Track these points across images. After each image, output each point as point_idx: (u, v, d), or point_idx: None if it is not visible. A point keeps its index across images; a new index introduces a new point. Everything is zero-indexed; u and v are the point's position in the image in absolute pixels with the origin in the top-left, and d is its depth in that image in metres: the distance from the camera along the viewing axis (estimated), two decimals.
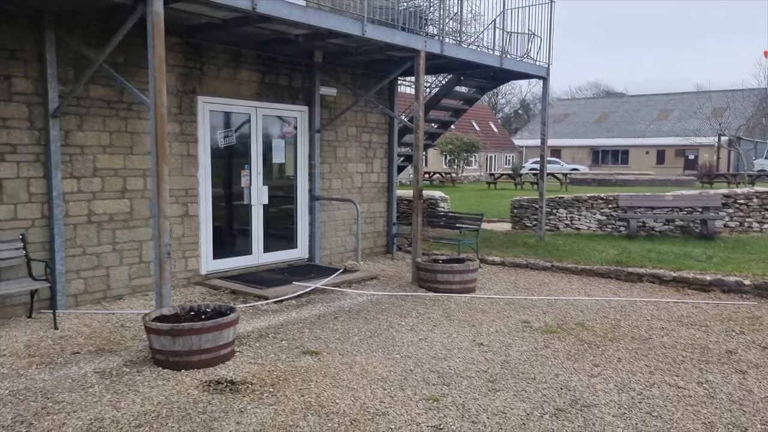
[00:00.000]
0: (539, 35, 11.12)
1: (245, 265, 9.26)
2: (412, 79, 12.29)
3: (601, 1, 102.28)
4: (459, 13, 10.41)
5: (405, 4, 10.28)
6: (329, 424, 4.28)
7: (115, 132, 7.54)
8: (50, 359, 5.54)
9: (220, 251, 8.95)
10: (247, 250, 9.35)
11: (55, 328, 6.44)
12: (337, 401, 4.68)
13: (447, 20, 10.08)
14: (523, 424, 4.33)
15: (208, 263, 8.77)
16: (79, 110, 7.18)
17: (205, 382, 5.04)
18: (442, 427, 4.27)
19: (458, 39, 10.32)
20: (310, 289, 8.22)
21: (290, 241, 10.04)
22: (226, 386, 4.95)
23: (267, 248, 9.60)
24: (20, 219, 6.79)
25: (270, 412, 4.48)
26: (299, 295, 8.02)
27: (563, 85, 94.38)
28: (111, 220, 7.58)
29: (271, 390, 4.88)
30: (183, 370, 5.27)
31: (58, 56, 6.87)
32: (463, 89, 12.31)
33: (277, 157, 9.71)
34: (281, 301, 7.79)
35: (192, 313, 5.83)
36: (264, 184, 9.45)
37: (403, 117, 11.33)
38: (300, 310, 7.44)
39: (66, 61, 6.98)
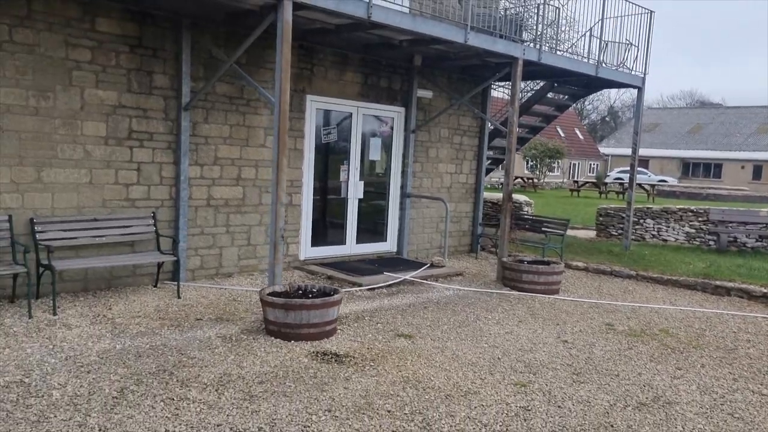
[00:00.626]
0: (636, 45, 11.15)
1: (339, 254, 9.90)
2: (504, 83, 12.61)
3: (705, 6, 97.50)
4: (556, 21, 10.63)
5: (503, 12, 10.62)
6: (426, 397, 4.76)
7: (234, 125, 8.33)
8: (178, 322, 6.32)
9: (317, 240, 9.63)
10: (341, 240, 9.99)
11: (179, 297, 7.28)
12: (431, 378, 5.16)
13: (543, 28, 10.31)
14: (607, 413, 4.65)
15: (306, 250, 9.46)
16: (206, 104, 8.01)
17: (313, 352, 5.64)
18: (529, 408, 4.66)
19: (554, 47, 10.55)
20: (400, 280, 8.74)
21: (380, 235, 10.61)
22: (332, 357, 5.53)
23: (359, 240, 10.21)
24: (152, 199, 7.68)
25: (372, 382, 5.01)
26: (390, 285, 8.56)
27: (655, 92, 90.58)
28: (226, 205, 8.39)
29: (372, 364, 5.41)
30: (293, 341, 5.90)
31: (192, 56, 7.71)
32: (555, 96, 12.48)
33: (373, 155, 10.30)
34: (373, 288, 8.34)
35: (300, 291, 6.47)
36: (360, 179, 10.06)
37: (494, 121, 11.63)
38: (391, 298, 7.97)
39: (198, 60, 7.81)
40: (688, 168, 52.10)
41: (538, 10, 10.15)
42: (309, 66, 9.04)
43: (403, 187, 10.63)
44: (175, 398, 4.46)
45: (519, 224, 11.50)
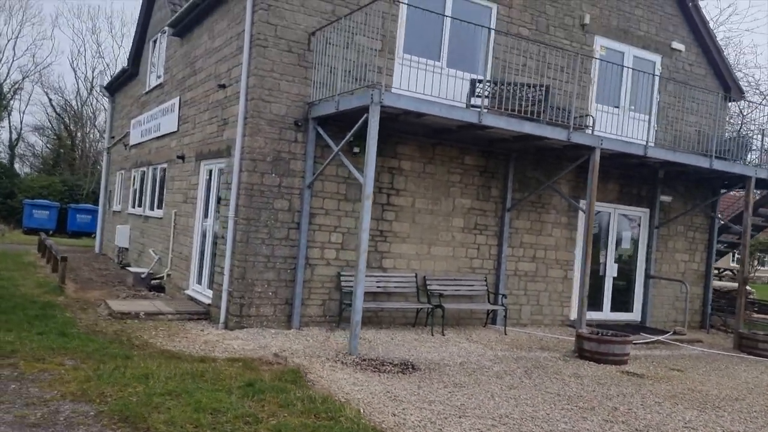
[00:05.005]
0: None
1: (597, 318, 13.00)
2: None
3: None
4: None
5: (734, 135, 13.44)
6: (707, 397, 7.73)
7: (533, 221, 12.12)
8: (516, 347, 9.92)
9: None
10: (599, 308, 13.14)
11: (505, 333, 10.96)
12: (708, 390, 8.10)
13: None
14: None
15: (575, 312, 12.73)
16: (518, 207, 11.91)
17: (619, 371, 8.86)
18: None
19: None
20: (654, 339, 11.63)
21: (627, 306, 13.55)
22: (634, 375, 8.71)
23: (612, 308, 13.27)
24: (484, 268, 11.61)
25: (669, 387, 8.10)
26: (647, 342, 11.48)
27: None
28: (525, 275, 12.07)
29: (662, 380, 8.49)
30: (602, 364, 9.18)
31: (514, 176, 11.72)
32: None
33: (624, 244, 13.46)
34: (635, 343, 11.32)
35: (598, 333, 9.76)
36: (614, 262, 13.24)
37: (723, 218, 14.17)
38: (651, 350, 10.90)
39: (516, 178, 11.81)
40: None
41: (762, 135, 12.87)
42: (584, 180, 12.64)
43: (647, 270, 13.57)
44: (557, 378, 7.98)
45: (747, 306, 13.68)
